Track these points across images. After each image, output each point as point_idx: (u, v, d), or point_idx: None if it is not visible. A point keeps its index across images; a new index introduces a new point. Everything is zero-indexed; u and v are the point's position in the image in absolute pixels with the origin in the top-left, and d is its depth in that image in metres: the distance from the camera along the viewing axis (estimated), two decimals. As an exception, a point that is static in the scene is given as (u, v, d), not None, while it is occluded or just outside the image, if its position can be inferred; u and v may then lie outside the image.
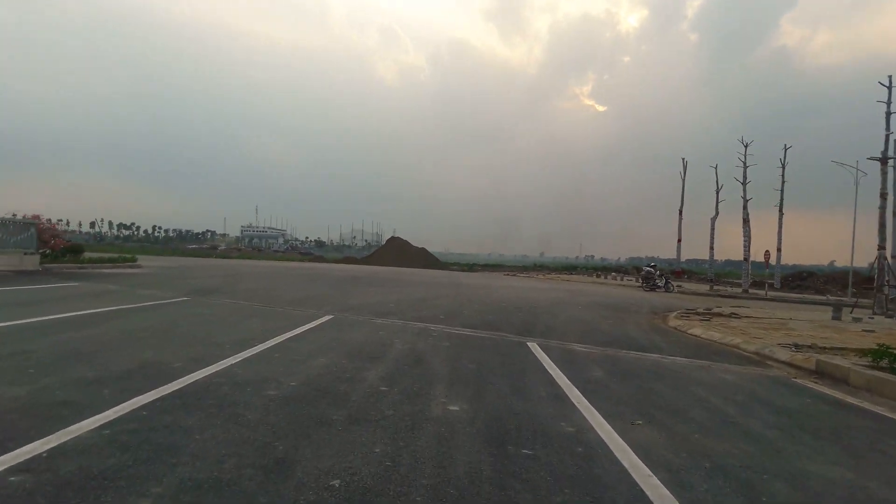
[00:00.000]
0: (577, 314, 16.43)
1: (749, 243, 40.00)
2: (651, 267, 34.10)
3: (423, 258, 74.01)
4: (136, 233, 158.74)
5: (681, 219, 49.86)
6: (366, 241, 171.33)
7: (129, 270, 24.88)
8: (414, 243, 79.88)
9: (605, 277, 50.41)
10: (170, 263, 36.84)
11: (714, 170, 49.28)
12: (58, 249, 23.07)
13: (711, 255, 49.72)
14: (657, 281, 33.17)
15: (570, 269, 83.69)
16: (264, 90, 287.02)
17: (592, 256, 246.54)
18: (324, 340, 8.91)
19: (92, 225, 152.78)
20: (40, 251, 21.32)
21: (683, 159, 50.91)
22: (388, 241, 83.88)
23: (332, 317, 12.09)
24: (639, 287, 38.21)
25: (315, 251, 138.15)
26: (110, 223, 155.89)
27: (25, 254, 20.17)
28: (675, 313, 17.96)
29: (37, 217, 22.80)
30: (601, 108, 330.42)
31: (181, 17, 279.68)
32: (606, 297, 25.34)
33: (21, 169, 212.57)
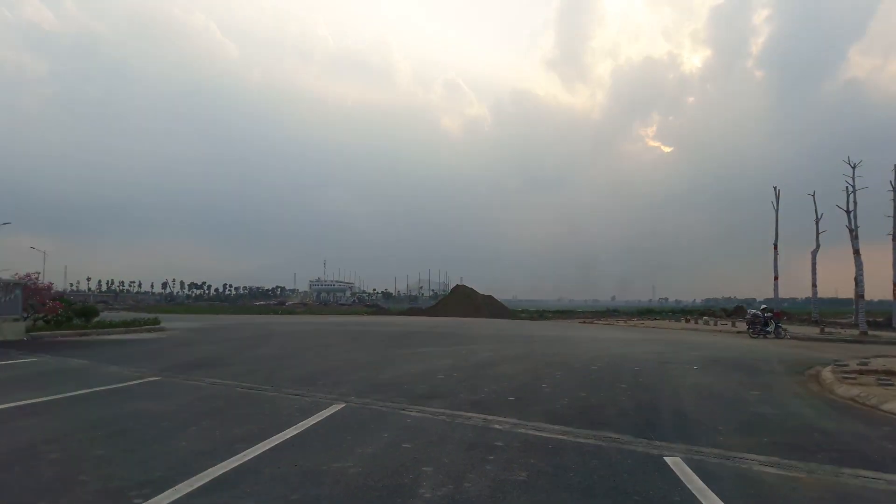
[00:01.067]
0: (700, 381, 11.59)
1: (862, 277, 33.50)
2: (762, 310, 28.26)
3: (490, 307, 69.32)
4: (206, 291, 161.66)
5: (776, 253, 43.76)
6: (433, 290, 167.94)
7: (144, 335, 21.67)
8: (482, 291, 75.39)
9: (696, 322, 44.27)
10: (209, 324, 33.88)
11: (812, 198, 43.33)
12: (55, 314, 19.98)
13: (815, 292, 43.07)
14: (766, 325, 27.41)
15: (646, 313, 77.01)
16: (335, 148, 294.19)
17: (667, 299, 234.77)
18: (292, 478, 4.68)
19: (164, 286, 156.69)
20: (33, 316, 18.34)
21: (776, 188, 45.15)
22: (454, 289, 79.66)
23: (342, 406, 7.93)
24: (740, 332, 32.38)
25: (382, 303, 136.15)
26: (182, 283, 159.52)
27: (5, 321, 17.08)
28: (825, 371, 12.93)
29: (31, 276, 19.96)
30: (667, 150, 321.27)
31: (253, 83, 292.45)
32: (715, 348, 20.15)
33: (107, 235, 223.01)
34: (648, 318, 53.97)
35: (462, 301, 69.59)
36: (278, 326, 30.11)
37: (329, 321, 39.52)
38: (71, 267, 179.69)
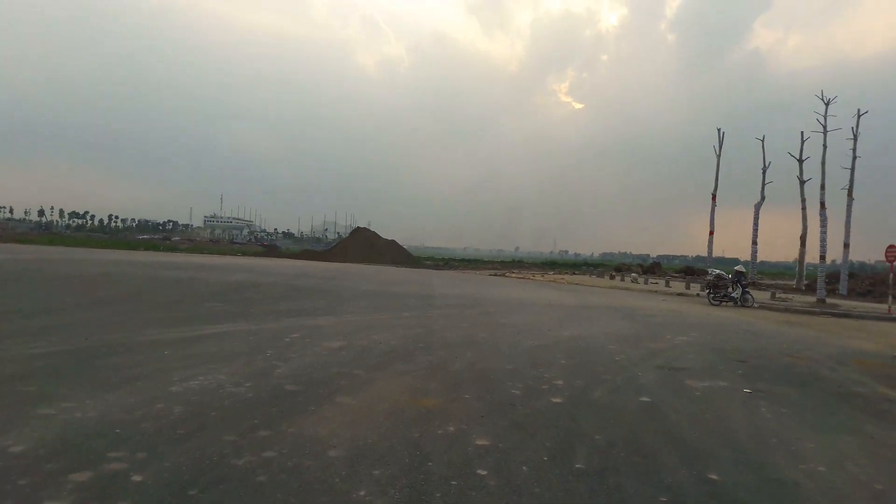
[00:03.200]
0: (739, 413, 4.43)
1: (826, 234, 28.39)
2: (735, 272, 21.93)
3: (392, 252, 61.65)
4: (89, 222, 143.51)
5: (714, 204, 38.47)
6: (338, 233, 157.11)
7: None
8: (391, 237, 67.37)
9: (622, 279, 38.67)
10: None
11: (761, 144, 38.40)
12: None
13: (755, 251, 38.37)
14: (730, 290, 21.45)
15: (550, 265, 72.28)
16: (242, 77, 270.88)
17: (567, 251, 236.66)
18: None
19: (41, 213, 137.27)
20: None
21: (720, 130, 39.53)
22: (353, 232, 70.99)
23: None
24: (682, 294, 26.57)
25: (280, 243, 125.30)
26: (61, 211, 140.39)
27: None
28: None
29: None
30: (578, 106, 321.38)
31: (152, 4, 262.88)
32: (702, 328, 13.67)
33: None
34: (566, 273, 48.08)
35: (362, 245, 61.43)
36: (81, 268, 21.12)
37: (187, 262, 30.42)
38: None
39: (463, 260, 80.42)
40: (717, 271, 22.53)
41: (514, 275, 39.80)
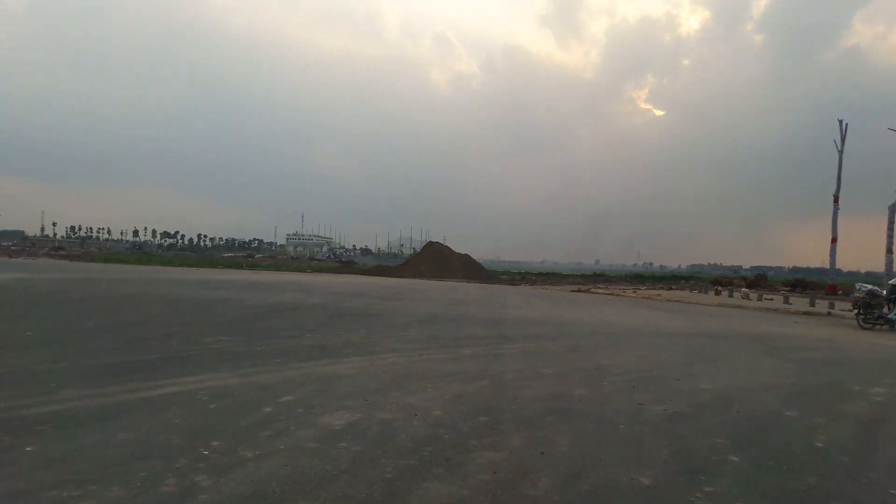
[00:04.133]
0: None
1: None
2: (894, 284, 16.97)
3: (465, 267, 58.41)
4: (180, 241, 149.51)
5: (836, 207, 32.86)
6: (413, 248, 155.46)
7: None
8: (466, 252, 64.30)
9: (731, 295, 33.54)
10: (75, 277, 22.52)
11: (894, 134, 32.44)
12: None
13: (890, 260, 32.18)
14: (886, 311, 16.63)
15: (637, 278, 66.58)
16: (321, 99, 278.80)
17: (651, 264, 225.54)
18: None
19: (135, 234, 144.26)
20: None
21: (842, 122, 33.96)
22: (426, 246, 68.35)
23: None
24: (809, 313, 21.61)
25: (358, 259, 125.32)
26: (154, 231, 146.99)
27: None
28: None
29: None
30: (659, 113, 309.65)
31: (237, 29, 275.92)
32: (863, 360, 9.76)
33: (87, 180, 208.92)
34: (660, 287, 42.84)
35: (435, 259, 58.57)
36: (118, 288, 19.07)
37: (243, 281, 28.31)
38: (51, 212, 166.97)
39: (540, 274, 75.91)
40: (869, 287, 17.63)
41: (600, 290, 35.45)
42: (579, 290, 35.14)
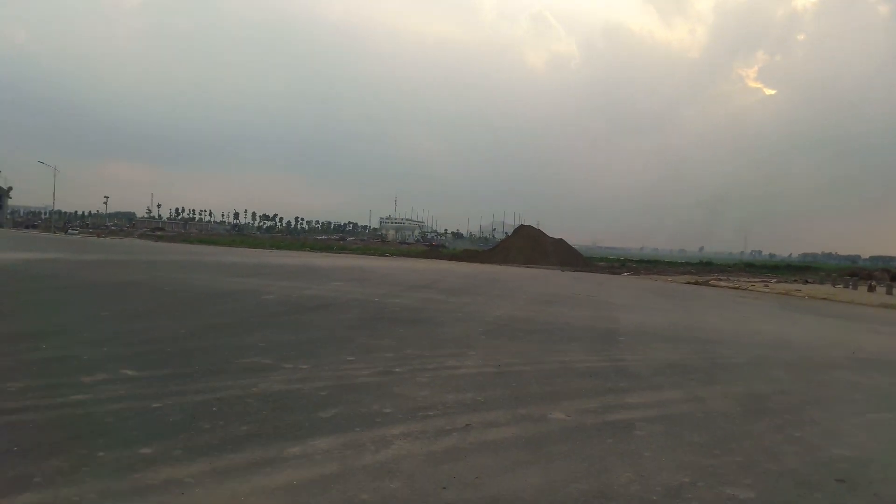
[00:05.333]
0: None
1: None
2: None
3: (560, 253, 52.88)
4: (278, 224, 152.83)
5: None
6: (505, 233, 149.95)
7: None
8: (561, 237, 58.75)
9: (888, 292, 26.43)
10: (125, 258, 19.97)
11: None
12: None
13: None
14: None
15: (749, 268, 58.23)
16: (415, 84, 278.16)
17: (760, 252, 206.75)
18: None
19: (236, 216, 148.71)
20: None
21: None
22: (517, 230, 63.20)
23: None
24: None
25: (448, 243, 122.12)
26: (254, 214, 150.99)
27: None
28: None
29: None
30: (770, 92, 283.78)
31: (334, 18, 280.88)
32: None
33: (193, 164, 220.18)
34: (797, 281, 35.24)
35: (526, 244, 53.43)
36: (139, 273, 16.00)
37: (304, 265, 24.94)
38: (160, 195, 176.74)
39: (642, 261, 68.88)
40: None
41: (721, 284, 29.29)
42: (696, 283, 29.19)
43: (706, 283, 29.25)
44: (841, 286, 31.27)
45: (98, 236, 61.03)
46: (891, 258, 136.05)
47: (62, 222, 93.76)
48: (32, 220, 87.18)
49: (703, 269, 50.68)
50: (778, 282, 33.40)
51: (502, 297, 14.63)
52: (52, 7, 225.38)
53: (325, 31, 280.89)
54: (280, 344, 6.94)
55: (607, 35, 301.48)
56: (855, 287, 29.49)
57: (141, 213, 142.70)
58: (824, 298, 22.37)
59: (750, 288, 26.75)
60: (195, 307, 10.12)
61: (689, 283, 29.60)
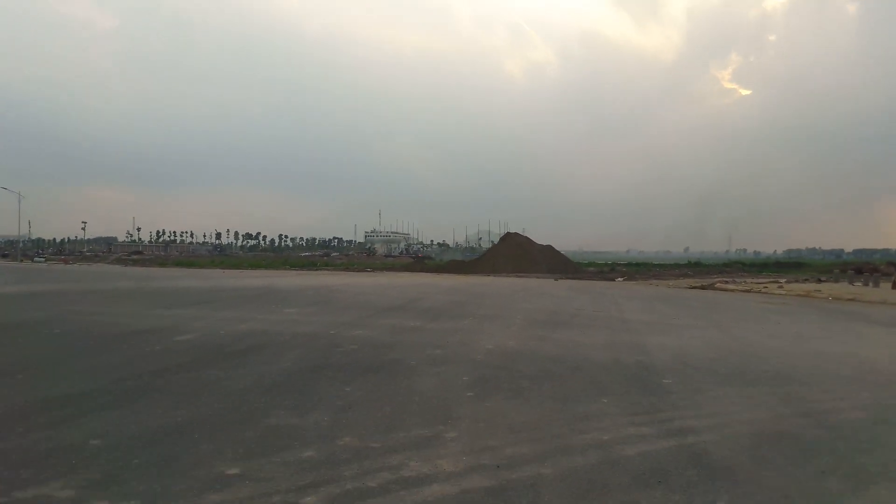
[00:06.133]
0: None
1: None
2: None
3: (548, 260, 50.26)
4: (262, 242, 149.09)
5: None
6: (491, 241, 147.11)
7: None
8: (546, 243, 55.98)
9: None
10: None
11: None
12: None
13: None
14: None
15: (737, 266, 55.79)
16: (395, 95, 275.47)
17: (745, 250, 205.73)
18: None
19: (218, 236, 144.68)
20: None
21: None
22: (504, 238, 60.36)
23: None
24: None
25: (434, 254, 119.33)
26: (236, 233, 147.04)
27: None
28: None
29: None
30: (745, 92, 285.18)
31: (312, 33, 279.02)
32: None
33: (181, 185, 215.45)
34: (808, 280, 32.40)
35: (514, 252, 50.73)
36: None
37: (266, 286, 21.96)
38: (141, 218, 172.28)
39: (631, 265, 66.46)
40: None
41: (729, 286, 26.64)
42: (702, 287, 26.54)
43: (712, 287, 26.63)
44: (860, 283, 28.77)
45: (65, 263, 57.34)
46: (874, 251, 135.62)
47: (34, 250, 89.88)
48: (3, 250, 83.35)
49: (700, 271, 48.26)
50: (788, 282, 30.76)
51: (493, 319, 11.80)
52: (20, 33, 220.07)
53: (304, 45, 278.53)
54: (117, 442, 4.07)
55: (583, 42, 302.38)
56: (877, 284, 26.99)
57: (122, 237, 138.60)
58: (851, 299, 19.81)
59: (763, 290, 24.15)
60: (67, 359, 7.20)
61: (693, 287, 26.97)
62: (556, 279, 33.81)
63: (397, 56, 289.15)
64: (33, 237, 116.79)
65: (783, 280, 32.11)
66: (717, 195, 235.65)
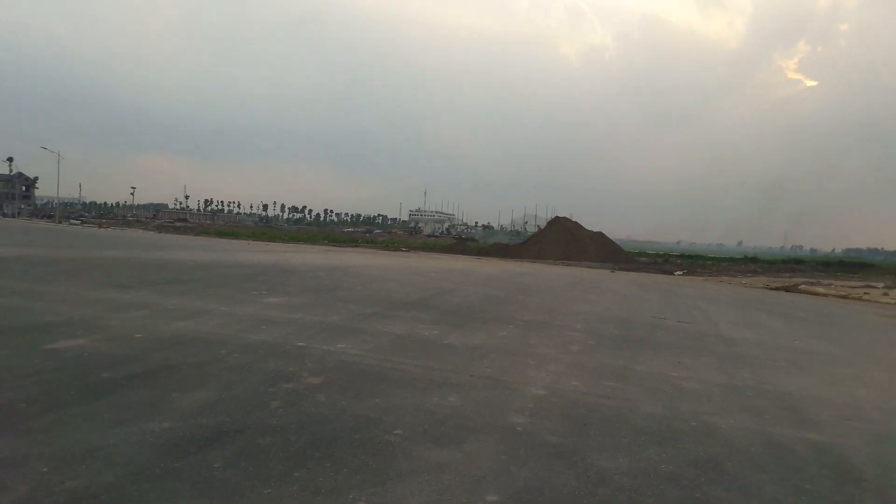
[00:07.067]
0: None
1: None
2: None
3: (599, 247, 46.13)
4: (307, 216, 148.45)
5: None
6: (537, 226, 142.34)
7: None
8: (593, 230, 51.66)
9: None
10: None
11: None
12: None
13: None
14: None
15: (796, 263, 50.23)
16: (447, 76, 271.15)
17: (801, 247, 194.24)
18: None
19: (264, 208, 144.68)
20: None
21: None
22: (552, 222, 56.21)
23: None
24: None
25: (477, 236, 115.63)
26: (283, 206, 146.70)
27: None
28: None
29: None
30: (811, 83, 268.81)
31: (366, 12, 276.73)
32: None
33: (233, 156, 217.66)
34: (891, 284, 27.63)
35: (561, 237, 46.83)
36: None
37: (293, 265, 19.09)
38: (192, 186, 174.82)
39: (683, 256, 61.55)
40: None
41: (819, 290, 22.37)
42: (785, 289, 22.37)
43: (796, 289, 22.45)
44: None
45: (99, 226, 56.69)
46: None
47: (76, 213, 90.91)
48: (49, 211, 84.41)
49: (768, 269, 43.19)
50: (888, 286, 26.01)
51: (543, 329, 8.44)
52: (83, 4, 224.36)
53: (358, 23, 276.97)
54: None
55: (643, 26, 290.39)
56: None
57: (172, 204, 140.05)
58: None
59: (864, 297, 19.90)
60: None
61: (773, 287, 22.84)
62: (612, 270, 29.96)
63: (451, 37, 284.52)
64: (87, 201, 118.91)
65: (881, 285, 27.28)
66: (778, 189, 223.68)
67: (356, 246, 46.72)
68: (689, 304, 13.91)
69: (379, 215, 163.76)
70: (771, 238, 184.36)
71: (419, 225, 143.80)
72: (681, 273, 33.61)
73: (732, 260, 59.47)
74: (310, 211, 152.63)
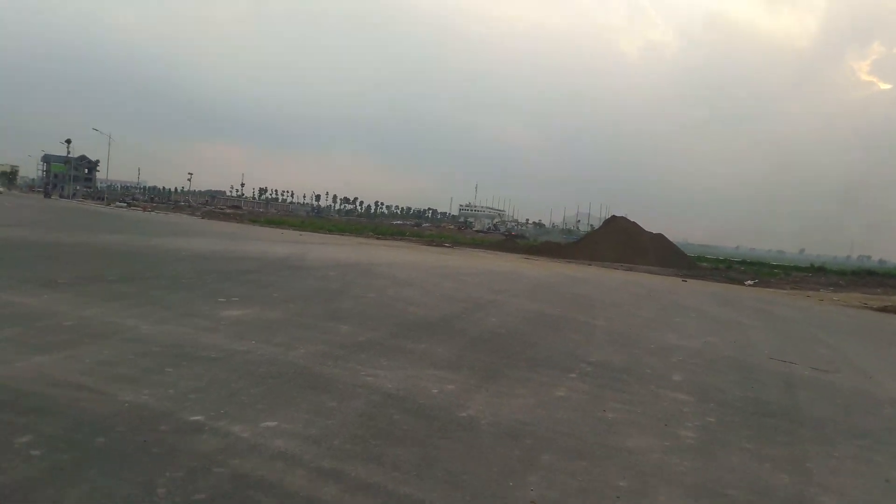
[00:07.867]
0: None
1: None
2: None
3: (659, 250, 42.12)
4: (358, 208, 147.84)
5: None
6: (590, 225, 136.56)
7: None
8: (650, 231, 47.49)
9: None
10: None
11: None
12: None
13: None
14: None
15: (870, 276, 44.11)
16: (503, 70, 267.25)
17: (868, 257, 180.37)
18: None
19: (317, 198, 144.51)
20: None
21: None
22: (607, 221, 52.20)
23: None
24: None
25: (528, 234, 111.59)
26: (335, 197, 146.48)
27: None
28: None
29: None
30: (885, 86, 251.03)
31: (424, 7, 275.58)
32: None
33: (290, 146, 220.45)
34: None
35: (618, 238, 42.95)
36: None
37: (309, 258, 16.56)
38: (250, 175, 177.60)
39: (746, 263, 56.60)
40: None
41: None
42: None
43: (909, 311, 18.43)
44: None
45: (143, 210, 56.51)
46: None
47: (127, 196, 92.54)
48: (100, 194, 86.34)
49: (818, 276, 38.03)
50: None
51: (621, 383, 5.38)
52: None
53: (418, 17, 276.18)
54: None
55: (707, 23, 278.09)
56: None
57: (229, 191, 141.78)
58: None
59: None
60: None
61: (879, 309, 18.92)
62: (683, 279, 26.27)
63: (510, 32, 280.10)
64: (147, 185, 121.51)
65: None
66: (855, 195, 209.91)
67: (401, 238, 44.23)
68: (802, 333, 10.54)
69: (429, 209, 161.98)
70: (835, 247, 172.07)
71: (469, 220, 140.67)
72: (751, 283, 29.53)
73: (798, 269, 54.04)
74: (361, 202, 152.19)
